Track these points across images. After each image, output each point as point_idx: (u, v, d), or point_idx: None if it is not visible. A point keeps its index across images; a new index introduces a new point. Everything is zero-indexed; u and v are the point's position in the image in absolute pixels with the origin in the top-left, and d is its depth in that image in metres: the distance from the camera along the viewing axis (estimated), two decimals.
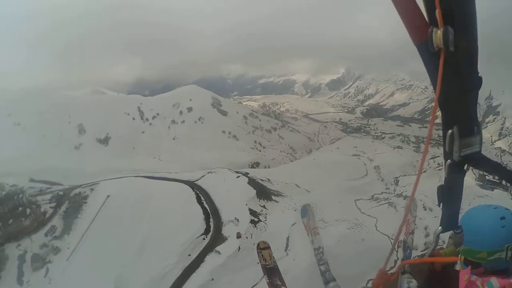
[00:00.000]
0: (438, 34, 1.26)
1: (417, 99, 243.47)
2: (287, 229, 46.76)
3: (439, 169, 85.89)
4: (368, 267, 39.62)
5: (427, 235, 53.04)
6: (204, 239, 41.38)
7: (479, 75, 1.40)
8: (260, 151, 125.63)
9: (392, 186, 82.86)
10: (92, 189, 59.49)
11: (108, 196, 54.05)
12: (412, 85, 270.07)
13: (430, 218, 56.02)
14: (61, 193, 62.26)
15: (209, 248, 39.42)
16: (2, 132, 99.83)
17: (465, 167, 1.67)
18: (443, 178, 1.92)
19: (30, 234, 53.22)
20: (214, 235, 41.93)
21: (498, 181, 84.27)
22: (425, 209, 59.80)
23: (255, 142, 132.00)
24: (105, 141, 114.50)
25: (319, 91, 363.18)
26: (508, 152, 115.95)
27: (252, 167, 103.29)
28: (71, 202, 57.93)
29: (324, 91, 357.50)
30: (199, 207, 47.88)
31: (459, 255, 2.21)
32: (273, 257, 5.73)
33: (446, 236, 2.51)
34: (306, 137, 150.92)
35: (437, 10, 1.33)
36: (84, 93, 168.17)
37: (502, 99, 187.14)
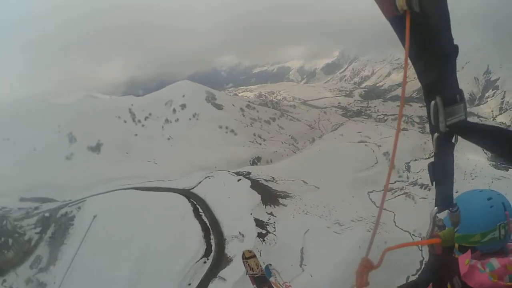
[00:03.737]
0: None
1: (414, 78, 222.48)
2: (300, 239, 40.95)
3: None
4: (395, 276, 34.14)
5: None
6: (205, 262, 35.17)
7: (455, 43, 1.39)
8: (260, 144, 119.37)
9: (404, 173, 77.24)
10: (79, 208, 53.36)
11: (94, 217, 47.90)
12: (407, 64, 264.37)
13: None
14: (47, 215, 56.17)
15: (211, 274, 33.24)
16: None
17: (453, 140, 1.55)
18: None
19: (15, 267, 47.54)
20: (217, 256, 35.72)
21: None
22: None
23: (255, 135, 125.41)
24: (96, 148, 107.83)
25: (315, 76, 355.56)
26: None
27: (254, 163, 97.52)
28: (57, 225, 51.98)
29: (319, 76, 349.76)
30: (197, 222, 41.45)
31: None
32: (260, 266, 5.91)
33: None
34: (307, 125, 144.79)
35: None
36: (75, 99, 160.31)
37: (500, 73, 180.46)
